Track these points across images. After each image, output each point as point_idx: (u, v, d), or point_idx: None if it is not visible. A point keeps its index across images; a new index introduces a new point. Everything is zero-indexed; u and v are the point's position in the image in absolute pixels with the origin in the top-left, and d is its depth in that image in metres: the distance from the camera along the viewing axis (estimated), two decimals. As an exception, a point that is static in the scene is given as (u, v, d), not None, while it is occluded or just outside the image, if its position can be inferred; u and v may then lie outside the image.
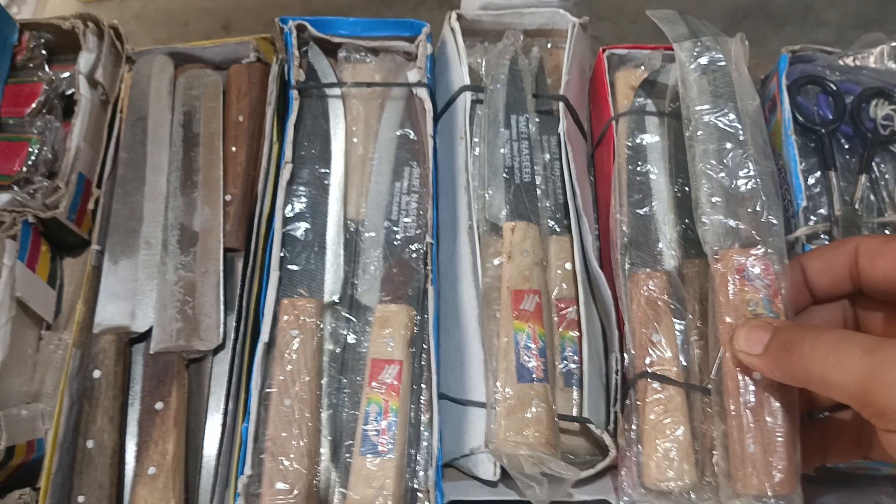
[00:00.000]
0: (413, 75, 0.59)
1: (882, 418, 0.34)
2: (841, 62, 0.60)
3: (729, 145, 0.48)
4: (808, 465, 0.44)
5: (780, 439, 0.42)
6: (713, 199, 0.47)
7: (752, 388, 0.43)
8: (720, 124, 0.48)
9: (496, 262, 0.52)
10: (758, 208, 0.46)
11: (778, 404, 0.42)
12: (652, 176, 0.55)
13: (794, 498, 0.42)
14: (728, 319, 0.44)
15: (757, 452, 0.42)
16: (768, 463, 0.41)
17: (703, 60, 0.50)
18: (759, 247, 0.45)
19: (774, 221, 0.46)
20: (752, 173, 0.47)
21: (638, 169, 0.55)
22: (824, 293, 0.45)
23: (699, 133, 0.48)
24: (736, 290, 0.45)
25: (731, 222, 0.46)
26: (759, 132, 0.49)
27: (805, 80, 0.58)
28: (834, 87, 0.58)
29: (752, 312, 0.44)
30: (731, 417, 0.43)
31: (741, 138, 0.48)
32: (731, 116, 0.48)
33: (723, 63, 0.50)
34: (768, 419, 0.42)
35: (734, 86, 0.49)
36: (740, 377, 0.43)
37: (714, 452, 0.45)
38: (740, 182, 0.47)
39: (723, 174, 0.47)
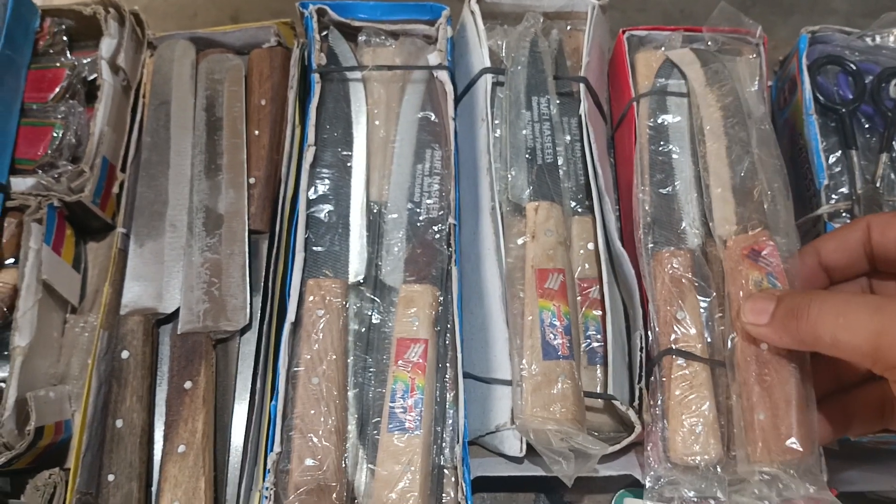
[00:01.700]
0: (433, 58, 0.59)
1: (894, 370, 0.36)
2: (860, 42, 0.60)
3: (736, 148, 0.53)
4: (834, 437, 0.44)
5: (790, 408, 0.43)
6: (721, 194, 0.51)
7: (760, 359, 0.45)
8: (728, 131, 0.54)
9: (519, 241, 0.53)
10: (763, 200, 0.50)
11: (787, 374, 0.44)
12: (674, 156, 0.55)
13: (809, 463, 0.43)
14: (735, 303, 0.46)
15: (766, 422, 0.44)
16: (778, 432, 0.43)
17: (713, 82, 0.56)
18: (764, 232, 0.48)
19: (781, 210, 0.50)
20: (756, 170, 0.52)
21: (660, 149, 0.55)
22: (841, 273, 0.46)
23: (709, 139, 0.54)
24: (744, 271, 0.47)
25: (738, 213, 0.50)
26: (765, 136, 0.53)
27: (825, 60, 0.58)
28: (854, 67, 0.58)
29: (757, 287, 0.46)
30: (743, 389, 0.45)
31: (747, 142, 0.53)
32: (738, 126, 0.54)
33: (729, 82, 0.56)
34: (777, 389, 0.44)
35: (740, 100, 0.55)
36: (749, 350, 0.45)
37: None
38: (746, 178, 0.52)
39: (730, 172, 0.52)
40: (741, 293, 0.47)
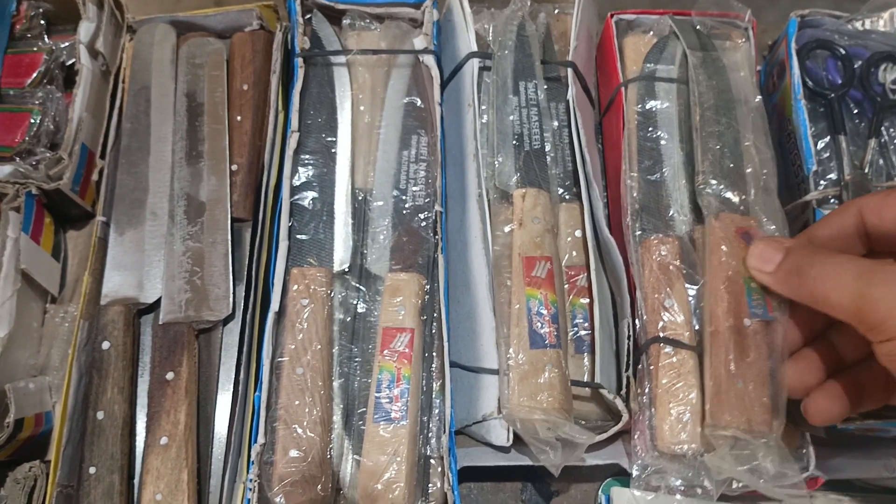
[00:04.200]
0: (419, 42, 0.58)
1: (874, 331, 0.38)
2: (849, 26, 0.59)
3: (730, 131, 0.53)
4: (850, 412, 0.44)
5: (769, 381, 0.44)
6: (714, 170, 0.51)
7: (738, 335, 0.45)
8: (724, 114, 0.53)
9: (507, 229, 0.52)
10: (755, 182, 0.51)
11: (767, 350, 0.45)
12: (662, 142, 0.54)
13: (771, 436, 0.44)
14: (721, 274, 0.47)
15: (747, 390, 0.44)
16: (757, 401, 0.44)
17: (711, 67, 0.56)
18: (755, 218, 0.49)
19: (771, 197, 0.50)
20: (751, 154, 0.52)
21: (648, 135, 0.55)
22: None
23: (706, 117, 0.53)
24: (734, 247, 0.48)
25: (731, 191, 0.50)
26: (761, 124, 0.54)
27: (814, 44, 0.58)
28: (843, 52, 0.57)
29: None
30: (723, 357, 0.45)
31: (742, 126, 0.53)
32: (734, 111, 0.54)
33: (724, 68, 0.56)
34: (758, 363, 0.45)
35: (738, 86, 0.55)
36: (733, 321, 0.46)
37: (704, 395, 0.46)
38: (740, 161, 0.52)
39: (725, 151, 0.52)
40: (724, 271, 0.47)
